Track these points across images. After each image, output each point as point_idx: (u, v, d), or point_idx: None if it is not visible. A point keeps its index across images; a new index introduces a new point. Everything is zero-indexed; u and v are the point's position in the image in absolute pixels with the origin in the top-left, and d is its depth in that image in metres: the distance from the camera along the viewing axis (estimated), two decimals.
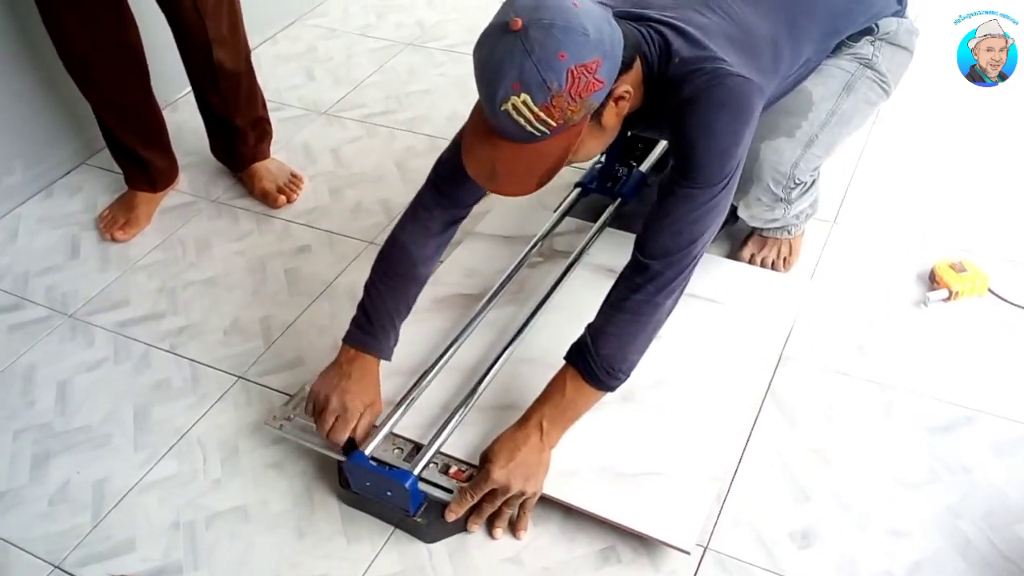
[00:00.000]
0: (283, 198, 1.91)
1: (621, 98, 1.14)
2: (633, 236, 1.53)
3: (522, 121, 1.08)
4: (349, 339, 1.35)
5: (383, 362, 1.37)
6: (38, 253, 1.84)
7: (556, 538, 1.27)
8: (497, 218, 1.76)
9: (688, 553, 1.20)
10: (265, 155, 1.96)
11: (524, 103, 1.06)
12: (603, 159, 1.73)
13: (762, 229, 1.65)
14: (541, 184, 1.15)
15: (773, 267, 1.66)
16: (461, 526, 1.28)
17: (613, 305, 1.24)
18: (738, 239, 1.72)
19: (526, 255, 1.60)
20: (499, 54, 1.05)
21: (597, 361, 1.23)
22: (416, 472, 1.24)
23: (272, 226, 1.87)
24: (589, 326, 1.26)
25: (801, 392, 1.44)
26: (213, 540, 1.30)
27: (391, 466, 1.28)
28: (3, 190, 1.94)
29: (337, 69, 2.39)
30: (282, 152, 2.03)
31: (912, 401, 1.42)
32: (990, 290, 1.60)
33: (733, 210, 1.64)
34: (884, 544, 1.23)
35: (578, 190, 1.73)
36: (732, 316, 1.52)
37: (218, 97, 1.80)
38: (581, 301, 1.53)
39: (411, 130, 2.13)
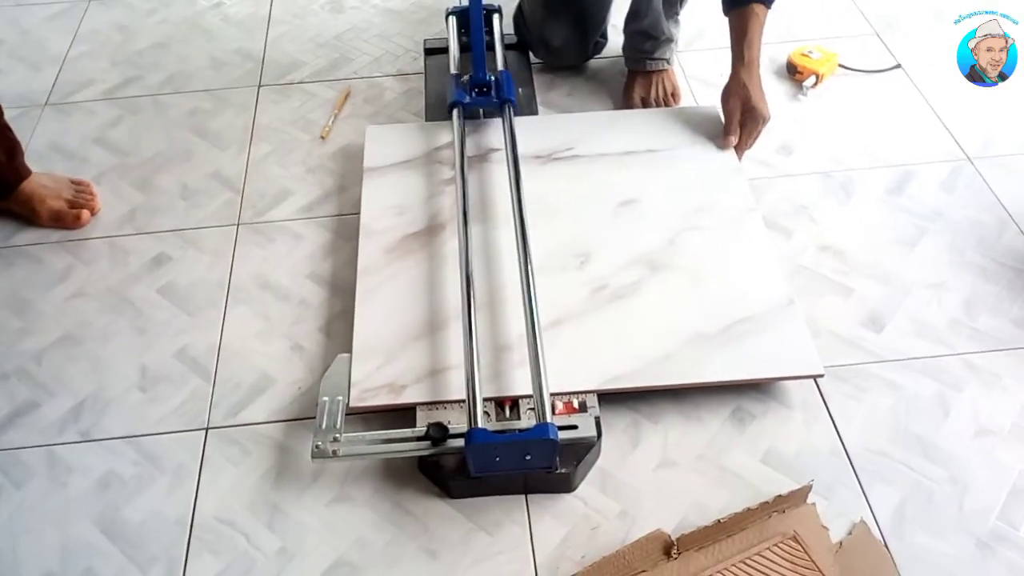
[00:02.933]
0: (85, 212, 1.47)
1: None
2: (544, 116, 1.46)
3: None
4: None
5: (393, 340, 1.21)
6: None
7: (685, 425, 1.18)
8: (377, 149, 1.52)
9: (823, 375, 1.18)
10: (27, 171, 1.48)
11: None
12: (471, 71, 1.52)
13: (644, 65, 1.63)
14: None
15: (665, 104, 1.64)
16: (595, 457, 1.14)
17: None
18: (618, 92, 1.68)
19: (462, 170, 1.38)
20: None
21: None
22: (550, 421, 1.06)
23: (94, 250, 1.43)
24: None
25: (776, 198, 1.47)
26: None
27: (517, 430, 1.08)
28: None
29: (18, 51, 1.85)
30: (30, 163, 1.53)
31: (856, 177, 1.51)
32: (840, 65, 1.73)
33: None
34: (930, 297, 1.33)
35: (456, 110, 1.49)
36: (683, 157, 1.48)
37: None
38: (548, 192, 1.41)
39: (180, 90, 1.73)
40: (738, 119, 1.45)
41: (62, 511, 1.11)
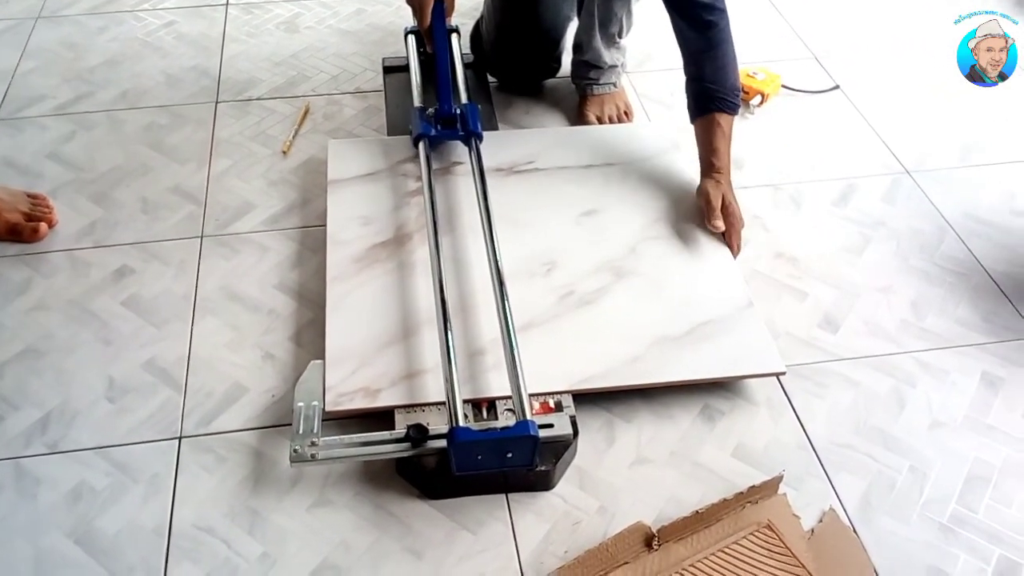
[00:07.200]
0: (43, 225, 1.44)
1: None
2: (504, 131, 1.60)
3: None
4: None
5: (366, 345, 1.24)
6: None
7: (657, 424, 1.22)
8: (341, 162, 1.53)
9: (784, 372, 1.23)
10: None
11: None
12: (436, 103, 1.53)
13: (592, 89, 1.68)
14: None
15: (619, 121, 1.70)
16: (572, 455, 1.16)
17: (703, 49, 1.39)
18: (573, 111, 1.73)
19: (432, 202, 1.38)
20: None
21: (731, 94, 1.40)
22: (531, 419, 1.08)
23: (53, 263, 1.41)
24: (694, 76, 1.41)
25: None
26: None
27: (498, 428, 1.10)
28: None
29: None
30: None
31: (804, 189, 1.59)
32: (784, 86, 1.81)
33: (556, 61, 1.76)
34: (879, 300, 1.39)
35: (422, 142, 1.49)
36: (639, 170, 1.53)
37: None
38: (511, 203, 1.44)
39: (134, 106, 1.72)
40: (719, 209, 1.37)
41: (33, 524, 1.08)
